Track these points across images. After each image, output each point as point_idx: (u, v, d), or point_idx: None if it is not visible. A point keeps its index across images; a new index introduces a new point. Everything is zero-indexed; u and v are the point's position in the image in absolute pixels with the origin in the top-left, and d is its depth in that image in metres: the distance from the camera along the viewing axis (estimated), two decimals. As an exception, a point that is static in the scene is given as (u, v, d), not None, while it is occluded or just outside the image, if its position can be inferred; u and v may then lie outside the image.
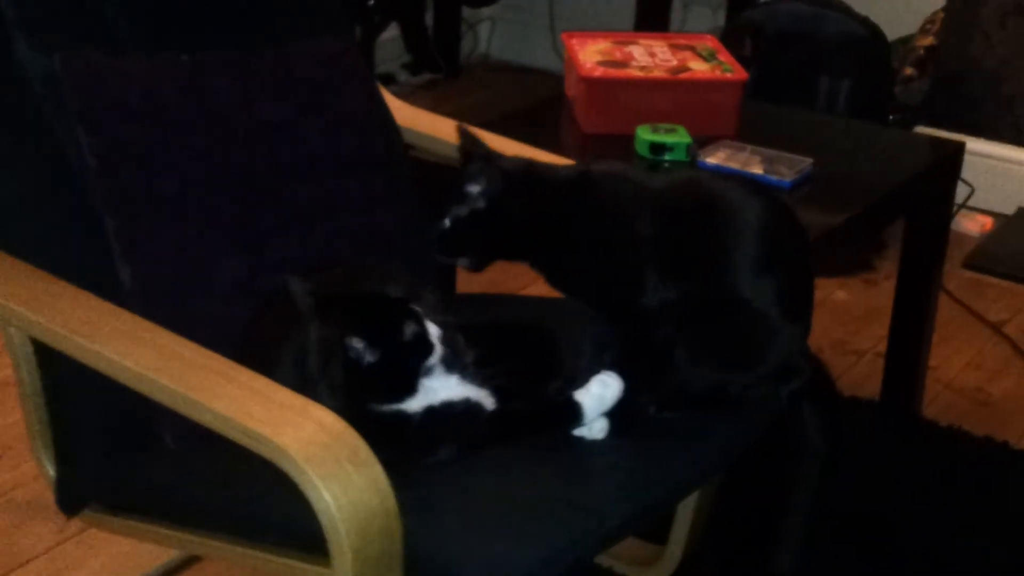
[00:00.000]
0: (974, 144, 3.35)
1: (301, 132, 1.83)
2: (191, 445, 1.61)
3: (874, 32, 3.48)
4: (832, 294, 3.19)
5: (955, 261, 3.30)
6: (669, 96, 2.38)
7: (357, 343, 1.43)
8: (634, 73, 2.40)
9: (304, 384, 1.48)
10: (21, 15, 1.69)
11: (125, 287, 1.66)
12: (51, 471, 1.67)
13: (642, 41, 2.56)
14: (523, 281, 2.44)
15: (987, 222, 3.58)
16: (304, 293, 1.50)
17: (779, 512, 1.80)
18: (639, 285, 1.57)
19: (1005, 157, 3.64)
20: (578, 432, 1.57)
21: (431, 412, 1.47)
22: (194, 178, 1.73)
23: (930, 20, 3.72)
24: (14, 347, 1.62)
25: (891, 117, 3.56)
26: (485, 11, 4.71)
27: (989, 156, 3.61)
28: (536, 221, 1.60)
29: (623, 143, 2.29)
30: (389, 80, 4.33)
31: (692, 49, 2.52)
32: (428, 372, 1.47)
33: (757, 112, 2.52)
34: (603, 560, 2.08)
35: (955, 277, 3.26)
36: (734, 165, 2.19)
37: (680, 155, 2.23)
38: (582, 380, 1.57)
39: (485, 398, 1.52)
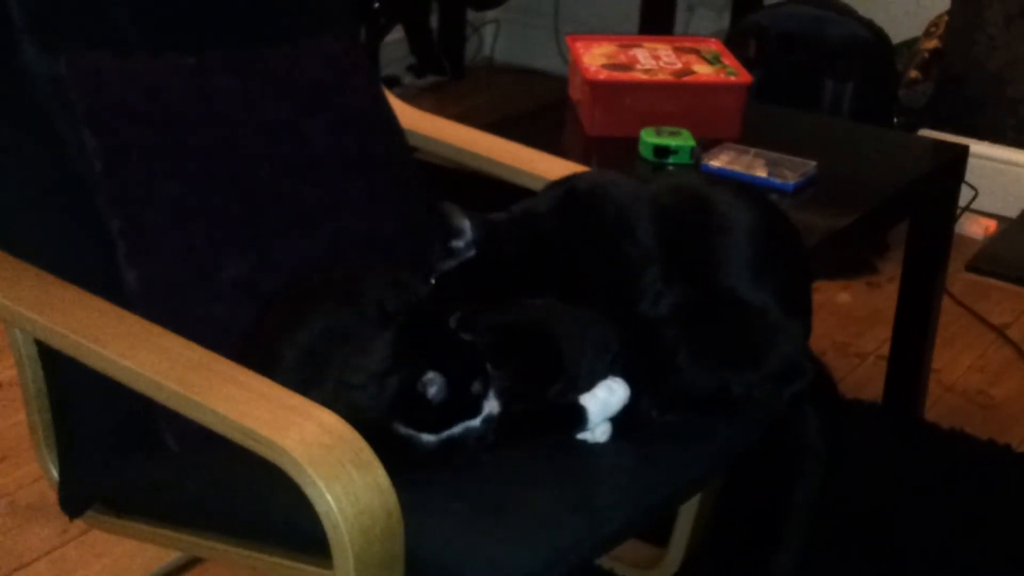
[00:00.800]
0: (978, 147, 3.35)
1: (305, 132, 1.84)
2: (194, 446, 1.61)
3: (878, 35, 3.48)
4: (835, 296, 3.19)
5: (958, 264, 3.29)
6: (673, 99, 2.38)
7: (436, 385, 1.42)
8: (638, 76, 2.40)
9: (309, 386, 1.48)
10: (27, 16, 1.69)
11: (129, 288, 1.66)
12: (54, 473, 1.67)
13: (646, 44, 2.56)
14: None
15: (991, 225, 3.58)
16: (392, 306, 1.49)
17: (780, 514, 1.80)
18: (643, 294, 1.57)
19: (1009, 160, 3.64)
20: (581, 435, 1.57)
21: (449, 441, 1.47)
22: (198, 179, 1.73)
23: (934, 23, 3.72)
24: (18, 348, 1.62)
25: (895, 120, 3.56)
26: (490, 14, 4.72)
27: (993, 159, 3.61)
28: (531, 256, 1.58)
29: (627, 146, 2.29)
30: (393, 82, 4.33)
31: (696, 52, 2.52)
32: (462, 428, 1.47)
33: (761, 115, 2.52)
34: (604, 562, 2.08)
35: (958, 280, 3.26)
36: (738, 168, 2.19)
37: (684, 158, 2.23)
38: (584, 382, 1.58)
39: (491, 401, 1.52)
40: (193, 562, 2.11)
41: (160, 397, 1.45)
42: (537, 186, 1.95)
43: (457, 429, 1.46)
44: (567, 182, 1.65)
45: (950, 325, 2.99)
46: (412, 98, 4.08)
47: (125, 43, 1.76)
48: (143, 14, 1.79)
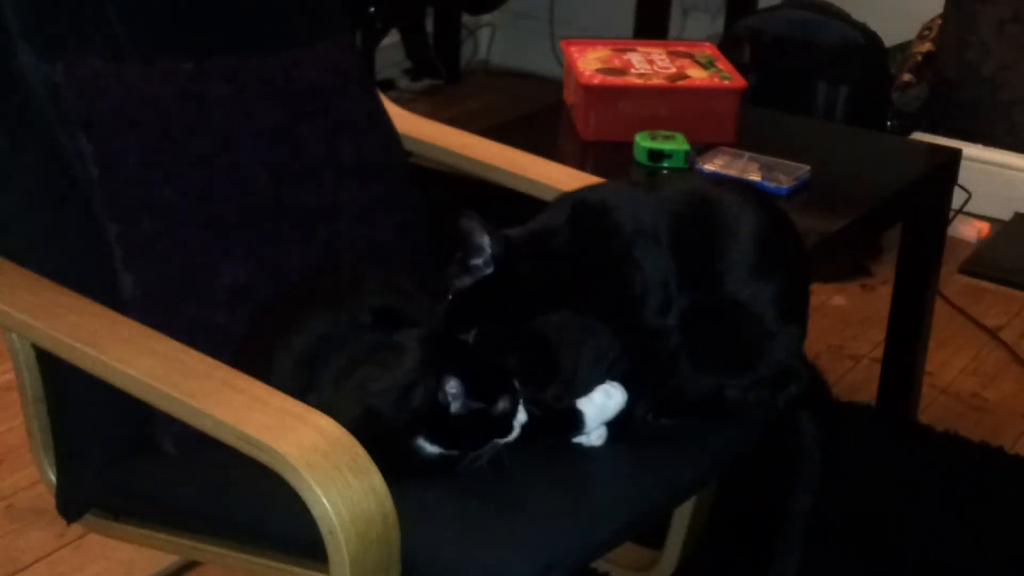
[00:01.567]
0: (971, 150, 3.36)
1: (302, 138, 1.84)
2: (191, 451, 1.61)
3: (872, 39, 3.49)
4: (829, 299, 3.20)
5: (952, 266, 3.31)
6: (667, 103, 2.39)
7: (454, 389, 1.43)
8: (633, 80, 2.41)
9: (306, 391, 1.49)
10: (24, 22, 1.69)
11: (126, 294, 1.66)
12: (52, 476, 1.68)
13: (641, 48, 2.57)
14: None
15: (984, 228, 3.59)
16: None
17: (776, 517, 1.80)
18: (656, 304, 1.57)
19: (1002, 163, 3.65)
20: (576, 439, 1.57)
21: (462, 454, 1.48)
22: (195, 185, 1.73)
23: (928, 26, 3.73)
24: (16, 353, 1.63)
25: (889, 123, 3.57)
26: (485, 17, 4.72)
27: (986, 162, 3.62)
28: (546, 273, 1.57)
29: (622, 150, 2.30)
30: (389, 86, 4.34)
31: (691, 56, 2.53)
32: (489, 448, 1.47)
33: (755, 119, 2.53)
34: (600, 565, 2.09)
35: (952, 282, 3.27)
36: (732, 172, 2.20)
37: (678, 162, 2.24)
38: (581, 387, 1.58)
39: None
40: (190, 566, 2.11)
41: (157, 402, 1.45)
42: (532, 190, 1.96)
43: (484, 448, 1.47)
44: (576, 196, 1.64)
45: (944, 328, 3.00)
46: (408, 102, 4.09)
47: (121, 49, 1.77)
48: (139, 20, 1.79)
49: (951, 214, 2.67)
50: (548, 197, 1.80)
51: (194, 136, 1.75)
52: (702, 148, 2.28)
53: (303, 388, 1.49)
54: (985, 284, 3.32)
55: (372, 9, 4.11)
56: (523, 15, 4.67)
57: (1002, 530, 2.36)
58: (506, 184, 2.02)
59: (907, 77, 3.65)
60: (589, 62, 2.46)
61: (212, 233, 1.73)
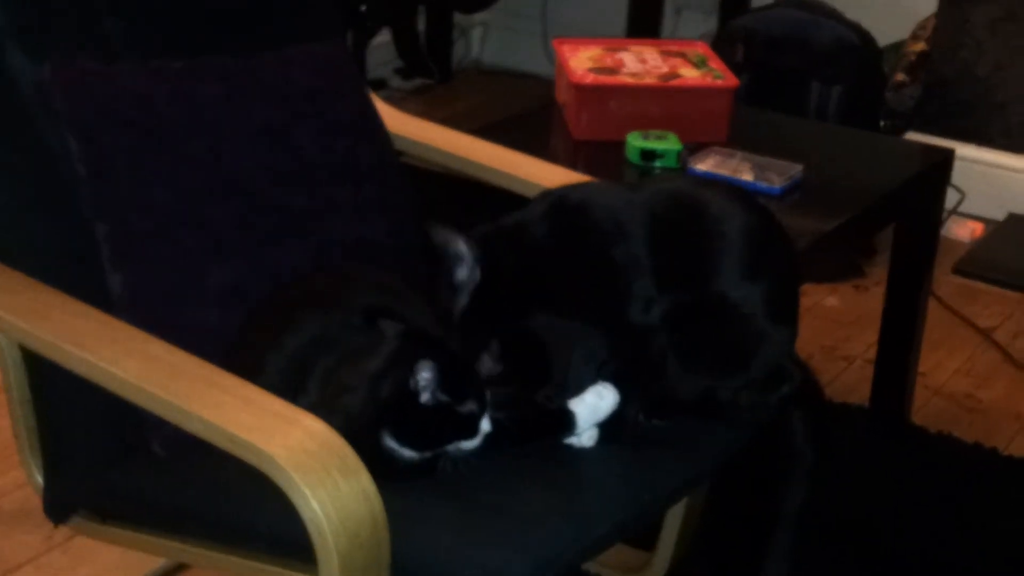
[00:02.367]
0: (965, 150, 3.35)
1: (293, 139, 1.83)
2: (179, 453, 1.60)
3: (865, 38, 3.48)
4: (822, 300, 3.20)
5: (945, 267, 3.30)
6: (660, 102, 2.38)
7: (427, 374, 1.42)
8: (625, 80, 2.40)
9: (296, 392, 1.48)
10: (12, 22, 1.68)
11: (115, 295, 1.65)
12: (39, 478, 1.67)
13: (633, 48, 2.56)
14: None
15: (977, 228, 3.59)
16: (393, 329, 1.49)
17: (768, 518, 1.80)
18: (635, 301, 1.57)
19: (996, 163, 3.65)
20: (567, 440, 1.57)
21: (432, 459, 1.47)
22: (185, 185, 1.72)
23: (921, 26, 3.72)
24: (2, 354, 1.62)
25: (882, 123, 3.56)
26: (477, 16, 4.72)
27: (980, 162, 3.62)
28: (525, 271, 1.57)
29: (614, 149, 2.29)
30: (381, 85, 4.33)
31: (683, 56, 2.52)
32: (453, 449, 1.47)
33: (748, 118, 2.53)
34: (592, 566, 2.08)
35: (945, 283, 3.27)
36: (724, 171, 2.20)
37: (670, 161, 2.23)
38: (571, 387, 1.58)
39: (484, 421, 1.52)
40: (178, 568, 2.10)
41: (145, 403, 1.44)
42: (523, 190, 1.95)
43: (449, 448, 1.46)
44: (556, 193, 1.64)
45: (937, 328, 3.00)
46: (399, 101, 4.08)
47: (111, 49, 1.76)
48: (129, 20, 1.79)
49: (944, 214, 2.67)
50: (540, 197, 1.79)
51: (184, 136, 1.74)
52: (694, 148, 2.27)
53: (293, 390, 1.48)
54: (979, 285, 3.32)
55: (363, 8, 4.10)
56: (515, 14, 4.66)
57: (996, 531, 2.36)
58: (498, 184, 2.02)
59: (901, 77, 3.64)
60: (581, 61, 2.46)
61: (202, 233, 1.72)
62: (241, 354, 1.60)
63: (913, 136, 3.56)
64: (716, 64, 2.49)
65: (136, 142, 1.70)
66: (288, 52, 1.90)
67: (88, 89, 1.69)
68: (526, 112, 2.61)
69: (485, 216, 1.61)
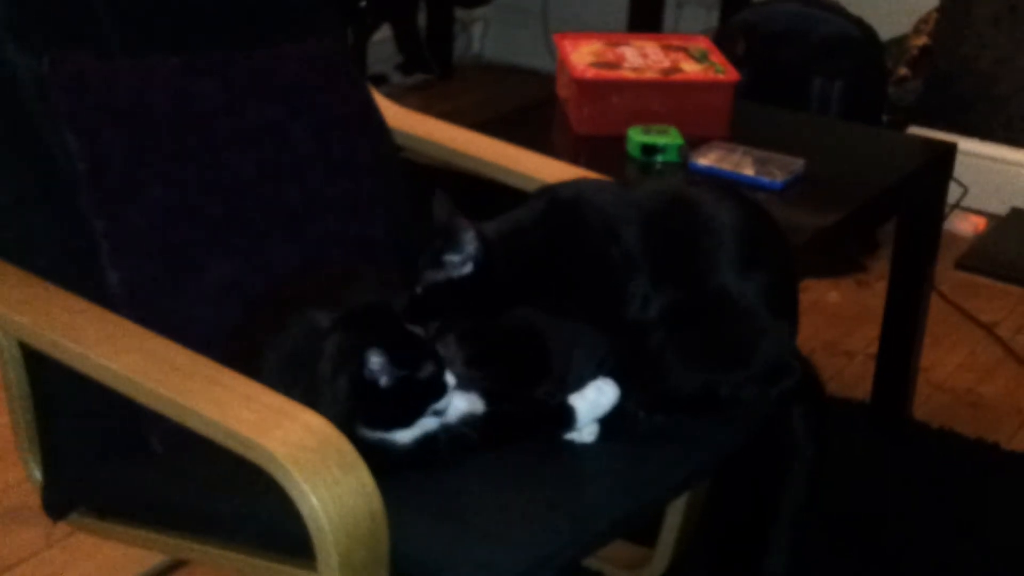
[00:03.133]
0: (967, 144, 3.35)
1: (291, 134, 1.83)
2: (178, 449, 1.60)
3: (867, 32, 3.47)
4: (824, 295, 3.19)
5: (948, 262, 3.30)
6: (661, 97, 2.38)
7: (377, 360, 1.41)
8: (626, 74, 2.40)
9: (293, 388, 1.47)
10: (9, 17, 1.68)
11: (112, 290, 1.65)
12: (38, 475, 1.66)
13: (634, 42, 2.56)
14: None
15: (980, 222, 3.58)
16: (327, 317, 1.48)
17: (769, 514, 1.79)
18: (631, 298, 1.56)
19: (998, 157, 3.64)
20: (567, 435, 1.56)
21: (424, 440, 1.46)
22: (182, 180, 1.72)
23: (923, 20, 3.72)
24: (1, 350, 1.61)
25: (884, 117, 3.56)
26: (478, 12, 4.71)
27: (982, 156, 3.61)
28: (521, 271, 1.56)
29: (615, 144, 2.28)
30: (381, 81, 4.33)
31: (684, 50, 2.52)
32: (432, 414, 1.46)
33: (749, 113, 2.52)
34: (592, 562, 2.08)
35: (948, 278, 3.26)
36: (726, 166, 2.19)
37: (672, 156, 2.23)
38: (572, 382, 1.57)
39: (475, 401, 1.51)
40: (178, 565, 2.10)
41: (144, 399, 1.44)
42: (525, 185, 1.95)
43: (430, 424, 1.45)
44: (550, 192, 1.63)
45: (939, 323, 2.99)
46: (400, 97, 4.07)
47: (108, 44, 1.76)
48: (127, 16, 1.79)
49: (947, 209, 2.66)
50: (540, 192, 1.78)
51: (181, 131, 1.74)
52: (696, 142, 2.26)
53: (291, 386, 1.48)
54: (981, 279, 3.31)
55: (363, 3, 4.10)
56: (516, 9, 4.66)
57: (997, 526, 2.36)
58: (499, 179, 2.01)
59: (903, 71, 3.64)
60: (582, 56, 2.45)
61: (200, 229, 1.72)
62: (241, 350, 1.60)
63: (915, 130, 3.56)
64: (717, 58, 2.48)
65: (133, 137, 1.70)
66: (286, 48, 1.90)
67: (86, 84, 1.69)
68: (527, 107, 2.61)
69: (486, 210, 1.60)
